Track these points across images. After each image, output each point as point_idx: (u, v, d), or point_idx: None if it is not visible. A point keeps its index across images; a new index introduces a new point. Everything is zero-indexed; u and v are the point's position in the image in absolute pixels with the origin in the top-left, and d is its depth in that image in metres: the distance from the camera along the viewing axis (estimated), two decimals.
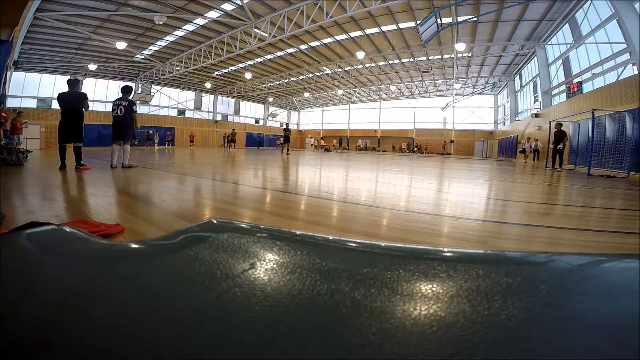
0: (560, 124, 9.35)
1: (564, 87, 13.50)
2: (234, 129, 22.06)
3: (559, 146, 9.17)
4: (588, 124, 8.46)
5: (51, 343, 0.19)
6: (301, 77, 23.23)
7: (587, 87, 11.56)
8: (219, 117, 27.92)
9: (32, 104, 17.08)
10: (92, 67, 16.86)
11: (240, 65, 19.73)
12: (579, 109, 10.01)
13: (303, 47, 16.92)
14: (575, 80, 12.32)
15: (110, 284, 0.25)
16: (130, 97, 5.71)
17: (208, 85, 23.48)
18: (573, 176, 7.16)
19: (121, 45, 13.91)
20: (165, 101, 24.21)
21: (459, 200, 3.27)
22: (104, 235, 1.55)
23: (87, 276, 0.27)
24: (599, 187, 5.03)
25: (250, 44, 13.84)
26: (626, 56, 9.28)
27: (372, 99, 31.51)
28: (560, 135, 9.16)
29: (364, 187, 4.30)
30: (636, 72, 8.65)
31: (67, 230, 0.37)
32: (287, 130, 14.49)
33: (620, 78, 9.41)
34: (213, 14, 12.96)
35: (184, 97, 25.42)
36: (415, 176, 5.95)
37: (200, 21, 13.65)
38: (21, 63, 15.60)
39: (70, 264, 0.30)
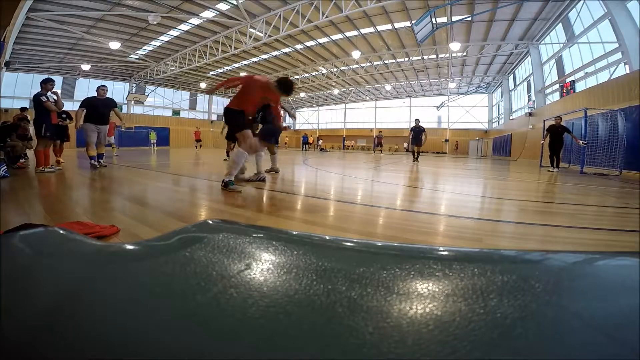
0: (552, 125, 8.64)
1: (557, 86, 13.62)
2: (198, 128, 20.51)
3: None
4: (581, 122, 8.53)
5: (46, 345, 0.19)
6: (297, 77, 23.19)
7: (580, 86, 11.67)
8: (214, 117, 27.79)
9: (24, 104, 16.86)
10: (86, 67, 16.68)
11: (236, 64, 19.62)
12: (572, 107, 10.08)
13: (299, 46, 16.88)
14: (569, 79, 12.44)
15: (105, 285, 0.25)
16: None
17: (203, 85, 23.33)
18: (567, 174, 7.23)
19: (115, 45, 13.78)
20: (159, 101, 24.05)
21: (453, 199, 3.28)
22: (99, 236, 1.54)
23: (81, 278, 0.27)
24: (592, 185, 5.08)
25: (246, 43, 13.77)
26: (618, 55, 9.39)
27: (368, 98, 31.55)
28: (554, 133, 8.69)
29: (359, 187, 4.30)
30: (628, 71, 8.75)
31: (61, 232, 0.37)
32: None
33: (612, 77, 9.52)
34: (208, 14, 12.89)
35: (179, 97, 25.29)
36: (409, 176, 5.97)
37: (195, 21, 13.55)
38: (13, 63, 15.39)
39: (64, 266, 0.30)
